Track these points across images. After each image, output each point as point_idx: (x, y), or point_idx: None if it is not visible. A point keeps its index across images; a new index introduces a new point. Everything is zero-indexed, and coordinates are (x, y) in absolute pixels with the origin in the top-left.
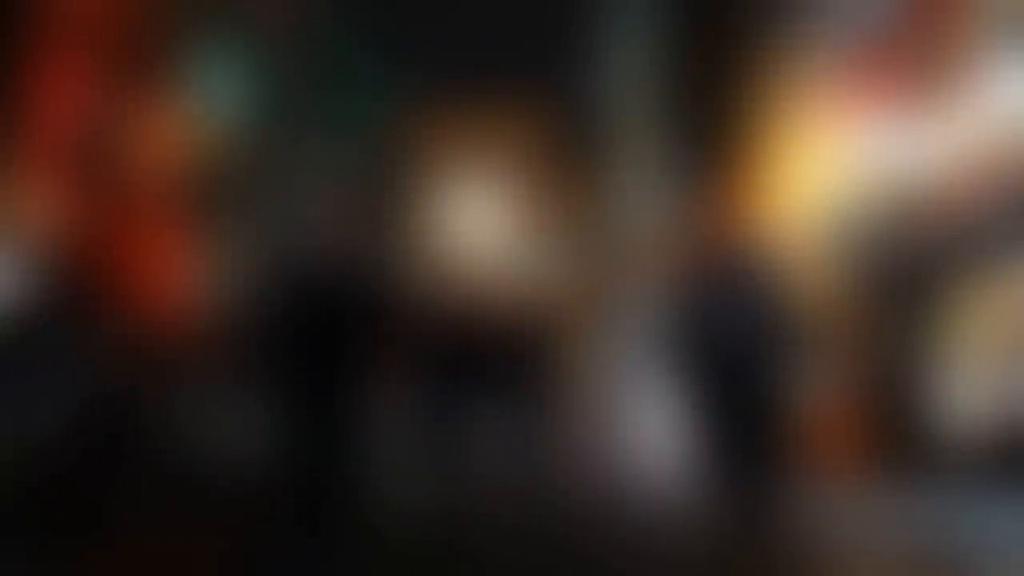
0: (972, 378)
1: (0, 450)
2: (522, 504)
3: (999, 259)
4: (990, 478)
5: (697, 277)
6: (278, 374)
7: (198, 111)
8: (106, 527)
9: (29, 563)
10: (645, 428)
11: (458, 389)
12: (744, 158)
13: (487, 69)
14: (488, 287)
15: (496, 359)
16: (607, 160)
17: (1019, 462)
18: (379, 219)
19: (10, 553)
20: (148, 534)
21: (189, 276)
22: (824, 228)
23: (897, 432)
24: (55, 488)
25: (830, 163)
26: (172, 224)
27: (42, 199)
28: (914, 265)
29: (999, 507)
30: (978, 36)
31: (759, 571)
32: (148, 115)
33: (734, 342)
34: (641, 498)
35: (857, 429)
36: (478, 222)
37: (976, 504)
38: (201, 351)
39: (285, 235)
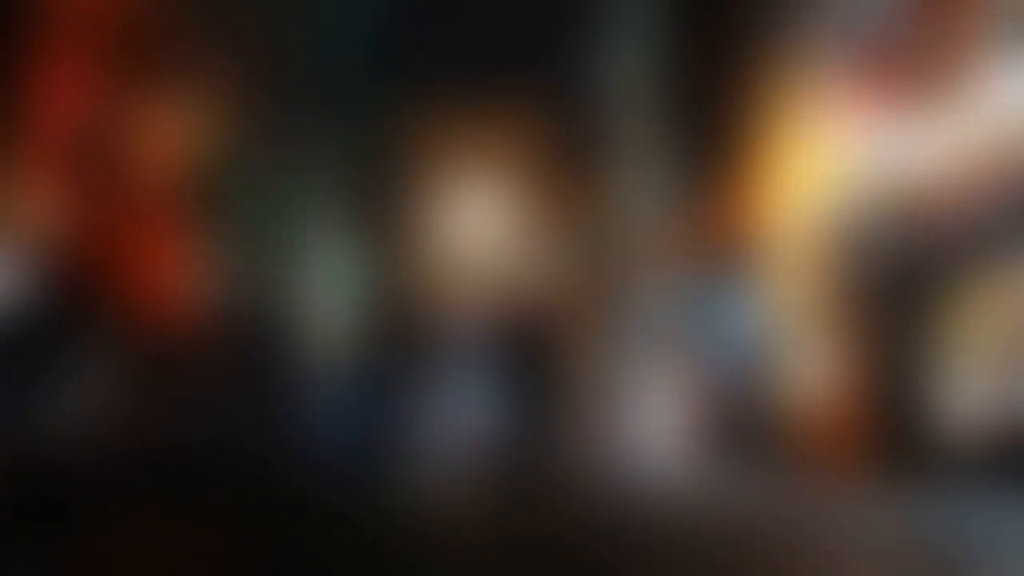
0: (972, 378)
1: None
2: (517, 496)
3: (1000, 259)
4: (990, 478)
5: (698, 275)
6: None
7: (198, 111)
8: (110, 527)
9: (29, 565)
10: (643, 426)
11: (455, 381)
12: (746, 157)
13: (486, 68)
14: (488, 285)
15: (497, 354)
16: (608, 159)
17: (1019, 462)
18: (380, 218)
19: (10, 553)
20: (150, 532)
21: (190, 276)
22: (825, 228)
23: (897, 431)
24: (57, 488)
25: (831, 163)
26: (173, 224)
27: (43, 199)
28: (915, 265)
29: (999, 507)
30: (979, 36)
31: (756, 569)
32: (149, 116)
33: (735, 340)
34: (637, 494)
35: (856, 428)
36: (477, 220)
37: (976, 504)
38: (200, 349)
39: (284, 237)
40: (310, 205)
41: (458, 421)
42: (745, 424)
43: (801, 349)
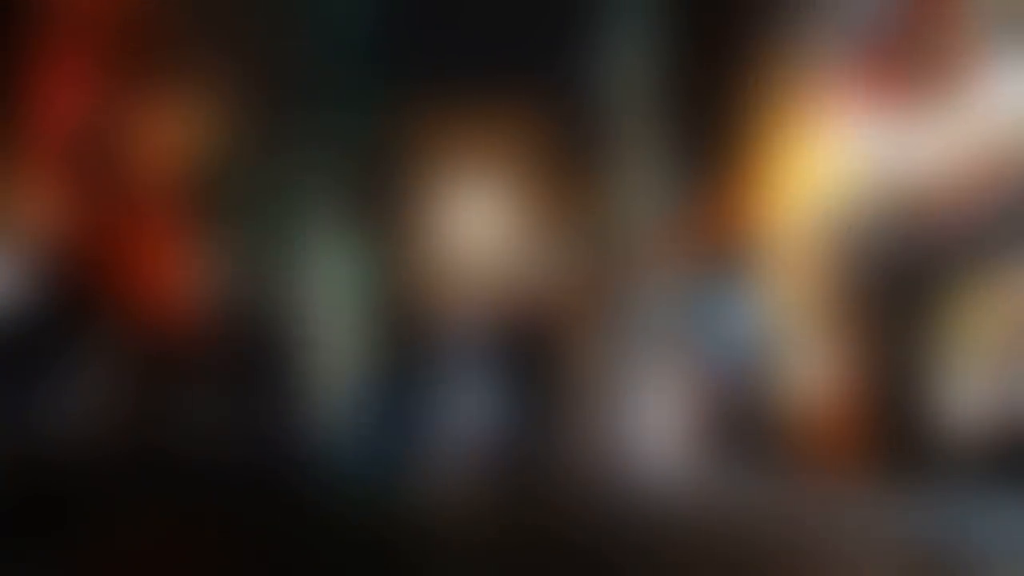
0: (972, 378)
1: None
2: (519, 496)
3: (1000, 259)
4: (990, 478)
5: (698, 275)
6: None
7: (198, 112)
8: (110, 527)
9: (29, 565)
10: (645, 425)
11: (457, 380)
12: (746, 158)
13: (487, 69)
14: (489, 285)
15: (498, 354)
16: (608, 159)
17: (1019, 462)
18: (380, 218)
19: (10, 553)
20: (150, 532)
21: (191, 276)
22: (825, 228)
23: (897, 432)
24: (58, 489)
25: (831, 163)
26: (173, 224)
27: (43, 199)
28: (915, 265)
29: (999, 507)
30: (979, 36)
31: (757, 569)
32: (149, 116)
33: (735, 340)
34: (639, 494)
35: (856, 428)
36: (478, 221)
37: (976, 504)
38: (200, 350)
39: (284, 237)
40: (310, 205)
41: (460, 420)
42: (746, 424)
43: (801, 349)
